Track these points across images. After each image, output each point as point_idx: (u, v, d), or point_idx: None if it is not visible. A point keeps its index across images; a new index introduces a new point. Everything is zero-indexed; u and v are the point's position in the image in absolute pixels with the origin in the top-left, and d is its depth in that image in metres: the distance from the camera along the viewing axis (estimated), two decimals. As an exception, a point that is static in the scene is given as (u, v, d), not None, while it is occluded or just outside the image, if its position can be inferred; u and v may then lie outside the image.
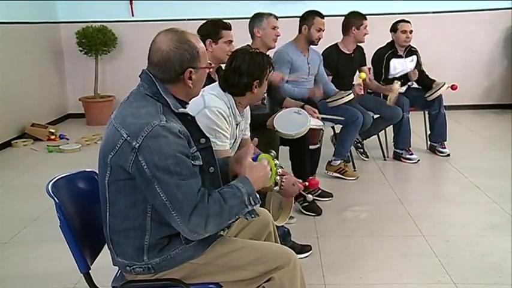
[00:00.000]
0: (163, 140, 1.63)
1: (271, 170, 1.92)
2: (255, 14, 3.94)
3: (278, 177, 2.10)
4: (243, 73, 2.47)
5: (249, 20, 3.92)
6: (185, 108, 1.83)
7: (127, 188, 1.70)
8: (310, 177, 2.63)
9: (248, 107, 2.70)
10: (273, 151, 2.12)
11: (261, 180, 1.81)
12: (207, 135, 1.92)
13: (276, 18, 3.89)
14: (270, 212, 2.53)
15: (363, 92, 4.53)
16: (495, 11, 6.75)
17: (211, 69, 1.90)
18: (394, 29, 4.92)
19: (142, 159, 1.62)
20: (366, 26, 4.55)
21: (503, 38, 6.88)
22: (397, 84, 4.63)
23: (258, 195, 1.76)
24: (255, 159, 1.98)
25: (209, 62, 1.86)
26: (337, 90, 4.42)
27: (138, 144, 1.62)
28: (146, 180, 1.63)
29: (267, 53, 3.82)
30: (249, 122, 2.76)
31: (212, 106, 2.43)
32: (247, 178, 1.76)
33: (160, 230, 1.74)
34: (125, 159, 1.65)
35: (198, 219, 1.63)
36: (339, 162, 4.44)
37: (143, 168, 1.62)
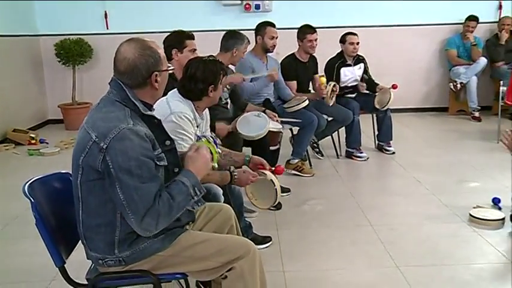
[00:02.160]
0: (129, 142, 1.61)
1: (211, 153, 1.88)
2: (236, 33, 3.77)
3: (218, 158, 2.03)
4: (199, 80, 2.44)
5: (226, 33, 3.78)
6: (151, 111, 1.81)
7: (97, 188, 1.68)
8: (277, 165, 2.63)
9: (207, 110, 2.68)
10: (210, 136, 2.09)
11: (202, 167, 1.80)
12: (174, 138, 1.90)
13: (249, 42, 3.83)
14: (249, 195, 2.54)
15: (325, 93, 4.55)
16: (433, 26, 6.88)
17: (170, 72, 1.88)
18: (342, 40, 4.95)
19: (109, 159, 1.60)
20: (312, 40, 4.54)
21: (439, 49, 7.00)
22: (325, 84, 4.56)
23: (202, 185, 1.76)
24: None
25: (169, 65, 1.84)
26: (292, 95, 4.46)
27: (105, 145, 1.60)
28: (110, 180, 1.62)
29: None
30: (209, 123, 2.73)
31: (178, 111, 2.39)
32: (189, 171, 1.75)
33: (129, 226, 1.70)
34: (94, 159, 1.62)
35: (150, 220, 1.62)
36: (297, 160, 4.45)
37: (109, 168, 1.61)
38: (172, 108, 2.39)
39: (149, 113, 1.77)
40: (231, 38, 3.73)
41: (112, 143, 1.60)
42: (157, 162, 1.68)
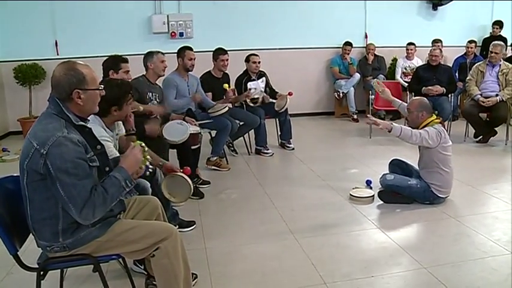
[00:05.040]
0: (65, 148, 1.60)
1: (143, 155, 1.86)
2: (148, 52, 3.80)
3: (148, 159, 2.00)
4: (102, 100, 2.20)
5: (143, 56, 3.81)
6: (85, 122, 1.79)
7: (41, 187, 1.65)
8: (184, 167, 2.69)
9: (120, 123, 2.57)
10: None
11: (133, 165, 1.80)
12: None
13: (163, 54, 3.79)
14: (167, 195, 2.53)
15: (233, 95, 4.64)
16: (320, 49, 7.16)
17: (101, 91, 1.83)
18: (247, 60, 5.05)
19: (49, 162, 1.59)
20: (224, 59, 4.63)
21: (325, 66, 7.29)
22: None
23: (132, 179, 1.75)
24: None
25: (100, 86, 1.80)
26: (213, 103, 4.51)
27: (45, 151, 1.59)
28: (52, 180, 1.60)
29: (158, 79, 3.82)
30: (122, 127, 2.63)
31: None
32: (122, 167, 1.76)
33: (71, 217, 1.69)
34: (37, 163, 1.60)
35: (88, 210, 1.63)
36: (216, 158, 4.48)
37: (50, 170, 1.59)
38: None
39: (80, 123, 1.75)
40: (145, 58, 3.79)
41: (50, 149, 1.59)
42: (90, 164, 1.68)
